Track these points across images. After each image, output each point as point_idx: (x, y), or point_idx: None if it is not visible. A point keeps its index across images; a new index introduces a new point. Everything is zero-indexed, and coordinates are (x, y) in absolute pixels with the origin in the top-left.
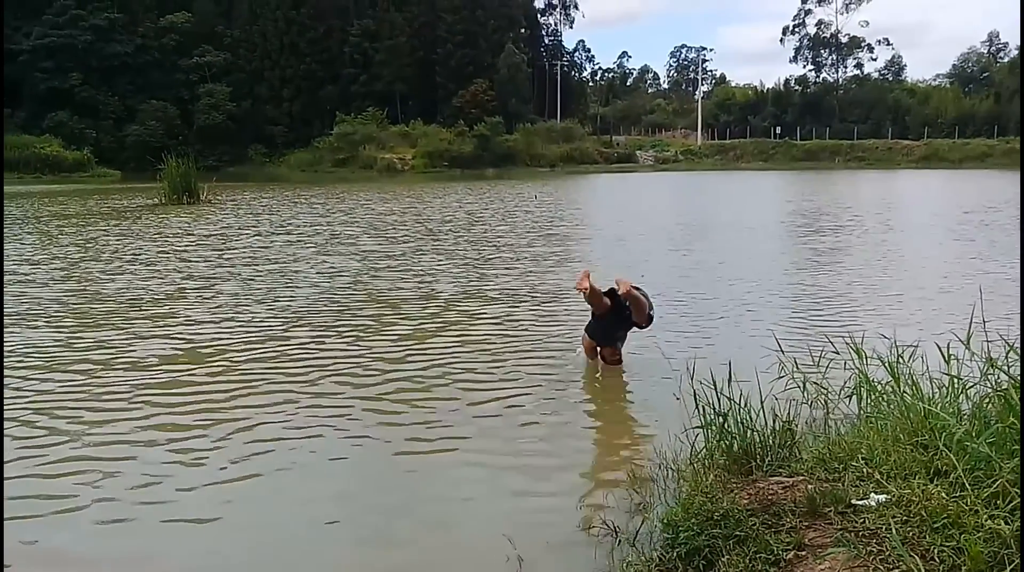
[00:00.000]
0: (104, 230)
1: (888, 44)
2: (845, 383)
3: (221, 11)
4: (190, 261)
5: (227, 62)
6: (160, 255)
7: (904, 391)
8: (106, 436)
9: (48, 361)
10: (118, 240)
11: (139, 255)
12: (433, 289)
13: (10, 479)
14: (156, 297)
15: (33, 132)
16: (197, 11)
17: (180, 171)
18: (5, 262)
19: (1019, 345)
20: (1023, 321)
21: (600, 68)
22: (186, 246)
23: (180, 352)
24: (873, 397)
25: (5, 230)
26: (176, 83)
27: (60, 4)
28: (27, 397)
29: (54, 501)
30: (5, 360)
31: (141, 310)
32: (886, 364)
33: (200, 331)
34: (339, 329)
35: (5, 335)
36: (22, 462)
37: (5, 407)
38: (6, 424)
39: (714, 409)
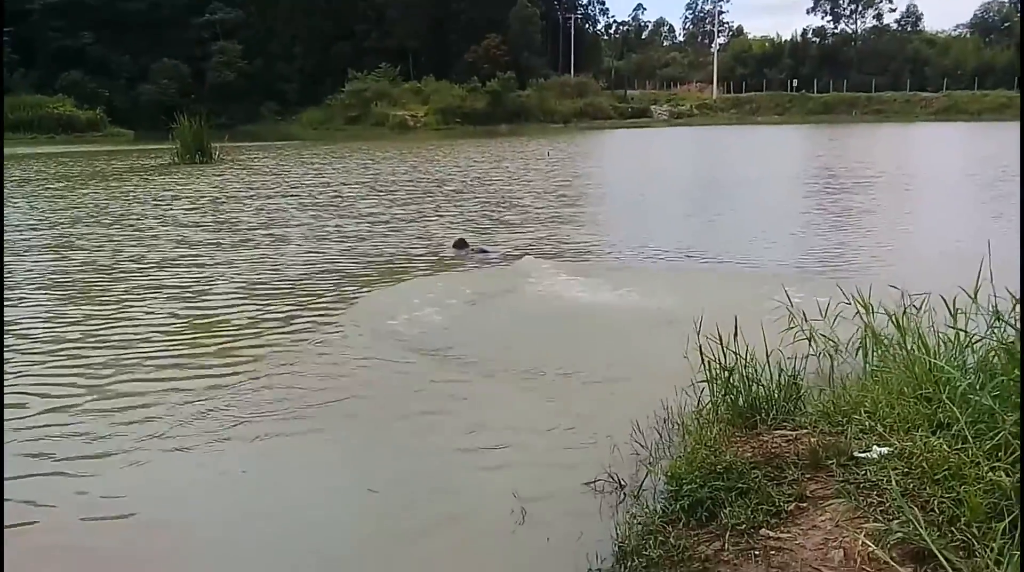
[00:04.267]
0: (122, 190)
1: None
2: (852, 337)
3: None
4: (199, 224)
5: (239, 19)
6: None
7: (910, 345)
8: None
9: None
10: (141, 205)
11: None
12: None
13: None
14: (163, 263)
15: (46, 92)
16: None
17: (193, 130)
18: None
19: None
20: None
21: (614, 21)
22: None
23: (175, 321)
24: (879, 351)
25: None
26: (188, 41)
27: None
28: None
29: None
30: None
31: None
32: (892, 318)
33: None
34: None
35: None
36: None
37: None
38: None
39: (720, 364)
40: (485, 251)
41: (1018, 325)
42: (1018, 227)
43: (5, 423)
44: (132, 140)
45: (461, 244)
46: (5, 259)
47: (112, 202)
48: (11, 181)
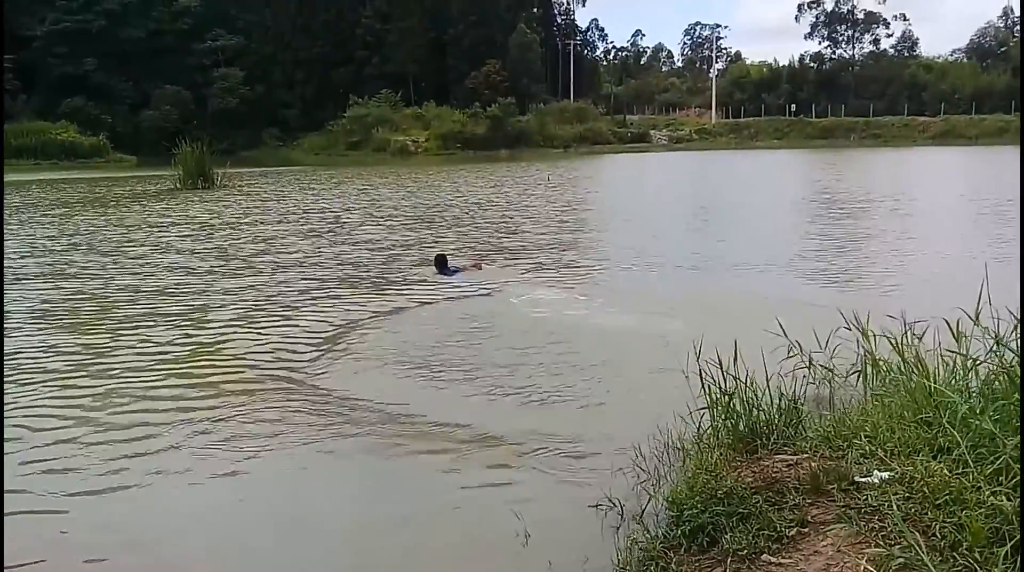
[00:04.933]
0: (121, 216)
1: (904, 19)
2: (854, 362)
3: None
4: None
5: (240, 46)
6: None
7: (910, 369)
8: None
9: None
10: (140, 231)
11: (159, 243)
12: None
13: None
14: (167, 289)
15: (49, 118)
16: None
17: (195, 156)
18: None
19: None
20: (1023, 305)
21: (613, 47)
22: (196, 235)
23: (172, 350)
24: (879, 375)
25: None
26: (190, 67)
27: None
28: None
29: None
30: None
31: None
32: (893, 342)
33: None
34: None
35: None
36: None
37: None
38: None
39: (720, 388)
40: (457, 270)
41: (1018, 348)
42: (1019, 250)
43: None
44: (135, 166)
45: (441, 261)
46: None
47: (111, 229)
48: (10, 206)
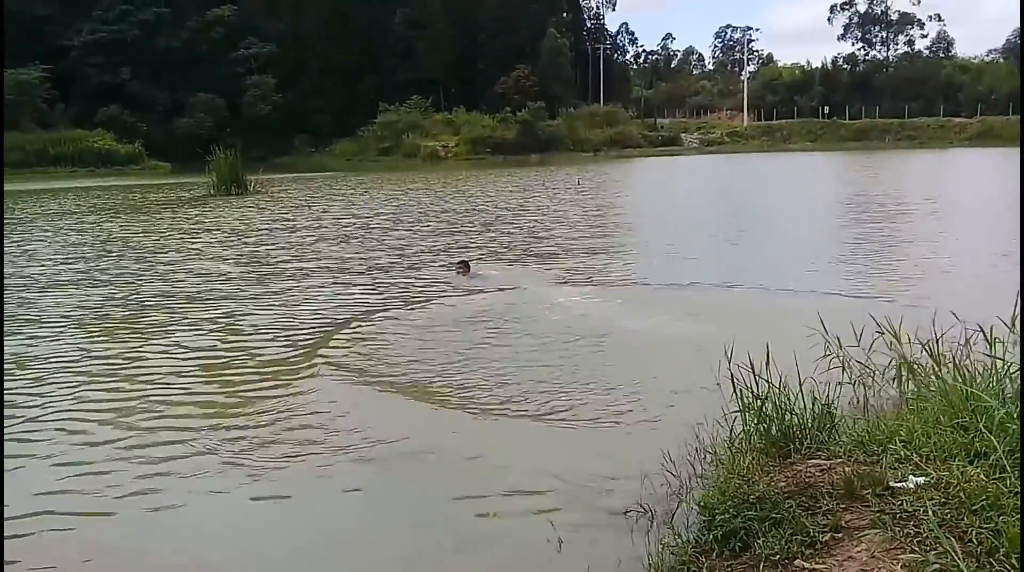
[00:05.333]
0: (155, 223)
1: (939, 20)
2: (888, 366)
3: (266, 3)
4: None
5: (273, 54)
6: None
7: (946, 373)
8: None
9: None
10: (188, 239)
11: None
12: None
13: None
14: (207, 290)
15: (85, 126)
16: (242, 4)
17: (228, 163)
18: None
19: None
20: (1023, 316)
21: (643, 50)
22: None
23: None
24: (915, 379)
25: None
26: (224, 75)
27: (109, 0)
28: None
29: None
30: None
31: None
32: (928, 346)
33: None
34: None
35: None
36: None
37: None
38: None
39: (752, 392)
40: (479, 274)
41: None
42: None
43: (29, 462)
44: (169, 173)
45: (464, 267)
46: (30, 294)
47: (144, 235)
48: (47, 213)
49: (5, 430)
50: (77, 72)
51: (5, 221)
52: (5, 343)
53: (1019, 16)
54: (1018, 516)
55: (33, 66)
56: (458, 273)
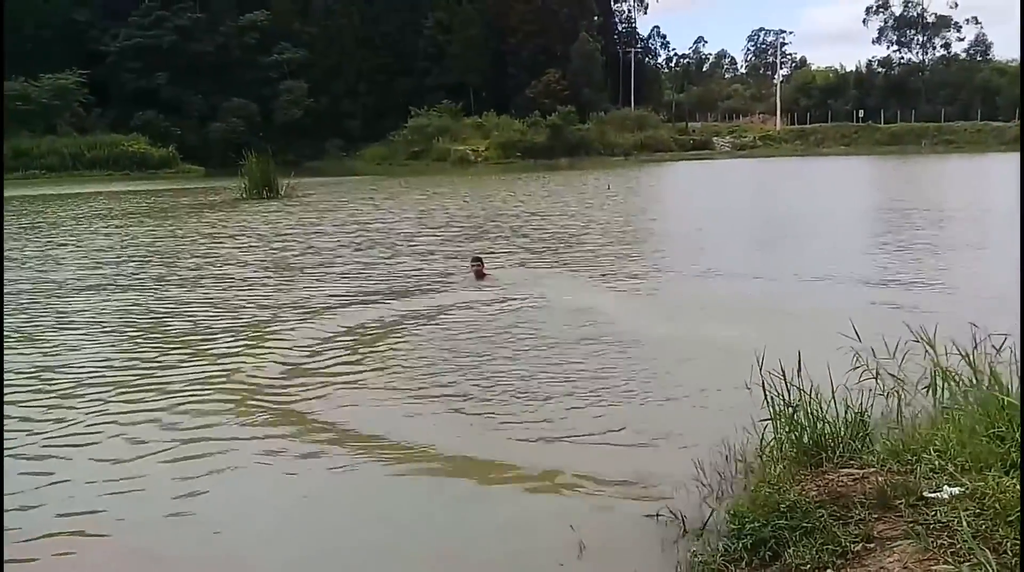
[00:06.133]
0: (188, 226)
1: (977, 23)
2: (923, 375)
3: (299, 8)
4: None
5: (305, 59)
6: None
7: (982, 382)
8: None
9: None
10: (215, 246)
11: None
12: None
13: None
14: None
15: (121, 131)
16: (275, 9)
17: (260, 167)
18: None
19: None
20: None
21: (675, 54)
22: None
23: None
24: (950, 389)
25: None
26: (257, 80)
27: (145, 6)
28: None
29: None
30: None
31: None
32: (964, 354)
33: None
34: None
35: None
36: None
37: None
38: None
39: (784, 400)
40: (494, 275)
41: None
42: None
43: (56, 469)
44: (203, 177)
45: (479, 264)
46: (52, 300)
47: (174, 240)
48: (78, 217)
49: (31, 440)
50: (114, 77)
51: (35, 224)
52: (29, 351)
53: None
54: None
55: (71, 71)
56: (473, 269)
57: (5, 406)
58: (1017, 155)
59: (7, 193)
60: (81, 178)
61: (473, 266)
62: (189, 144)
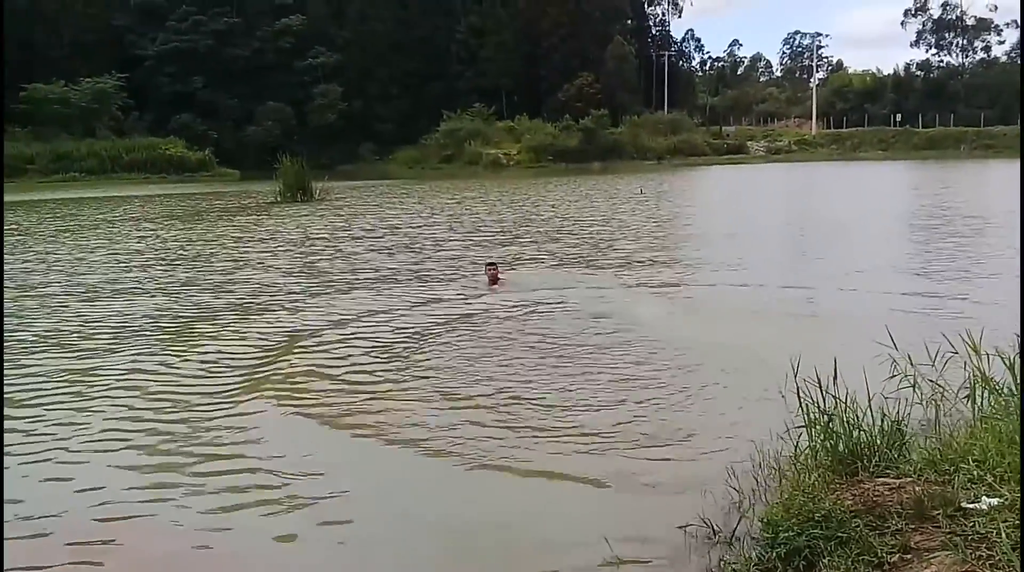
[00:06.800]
0: (223, 228)
1: (1016, 26)
2: (962, 383)
3: (333, 13)
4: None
5: (339, 63)
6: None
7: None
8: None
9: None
10: (246, 249)
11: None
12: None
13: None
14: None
15: (159, 134)
16: (310, 14)
17: (294, 170)
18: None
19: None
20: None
21: (710, 57)
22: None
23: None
24: (990, 397)
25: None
26: (291, 84)
27: (183, 11)
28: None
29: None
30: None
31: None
32: (1006, 362)
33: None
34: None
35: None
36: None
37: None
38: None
39: (819, 407)
40: (499, 280)
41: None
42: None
43: (83, 474)
44: (238, 179)
45: (493, 271)
46: (82, 303)
47: (205, 243)
48: (113, 219)
49: (54, 444)
50: (151, 81)
51: (70, 228)
52: (53, 354)
53: None
54: None
55: (110, 75)
56: (488, 274)
57: (33, 411)
58: None
59: (46, 196)
60: (119, 181)
61: (488, 271)
62: (225, 147)
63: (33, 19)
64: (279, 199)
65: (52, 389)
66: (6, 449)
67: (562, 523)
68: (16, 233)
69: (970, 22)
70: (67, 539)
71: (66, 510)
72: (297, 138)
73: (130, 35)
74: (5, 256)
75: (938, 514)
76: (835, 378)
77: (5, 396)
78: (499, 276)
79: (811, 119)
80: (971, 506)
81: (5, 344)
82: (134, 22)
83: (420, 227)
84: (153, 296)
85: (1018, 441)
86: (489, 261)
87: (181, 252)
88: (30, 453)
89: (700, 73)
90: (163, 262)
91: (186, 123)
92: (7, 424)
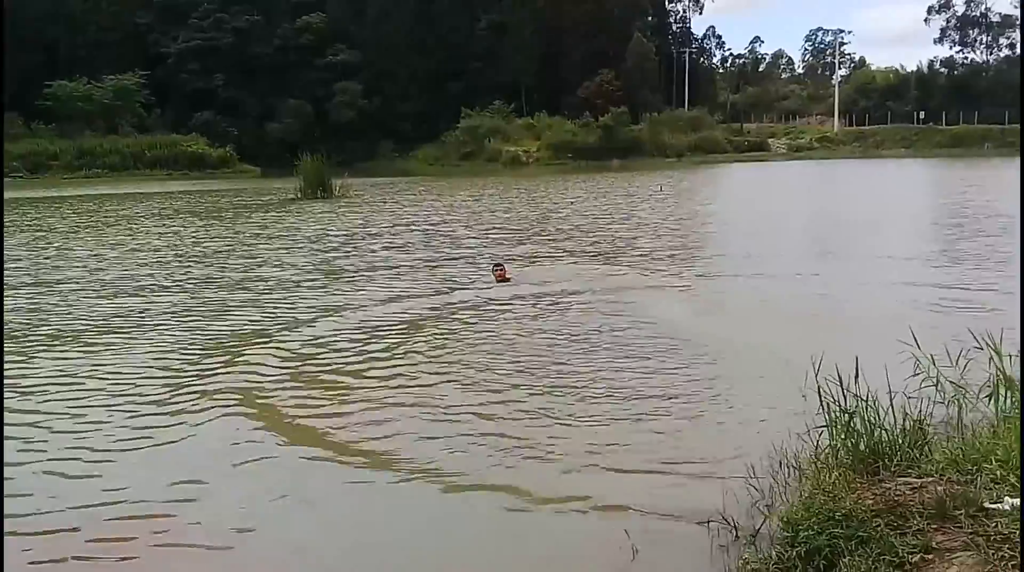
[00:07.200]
0: (243, 225)
1: None
2: (985, 383)
3: (353, 10)
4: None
5: (359, 60)
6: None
7: None
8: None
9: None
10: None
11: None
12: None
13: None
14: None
15: (181, 131)
16: (331, 11)
17: (314, 167)
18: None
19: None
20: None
21: (731, 54)
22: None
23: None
24: (1014, 397)
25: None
26: (312, 82)
27: (205, 8)
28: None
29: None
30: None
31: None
32: None
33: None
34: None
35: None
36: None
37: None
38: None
39: (840, 407)
40: (508, 279)
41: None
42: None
43: (106, 471)
44: (258, 176)
45: (500, 271)
46: (100, 300)
47: (223, 240)
48: (133, 217)
49: (75, 440)
50: (173, 78)
51: (91, 223)
52: (67, 354)
53: None
54: None
55: (133, 72)
56: (495, 274)
57: (48, 407)
58: None
59: (69, 192)
60: (141, 177)
61: (495, 271)
62: (245, 144)
63: (58, 17)
64: (299, 196)
65: (70, 385)
66: (26, 446)
67: (582, 516)
68: (38, 229)
69: (995, 19)
70: (89, 536)
71: (89, 506)
72: (317, 135)
73: (153, 33)
74: (26, 251)
75: (960, 514)
76: (856, 377)
77: (24, 392)
78: (506, 276)
79: (833, 116)
80: (993, 506)
81: (24, 339)
82: (157, 20)
83: (438, 224)
84: (172, 293)
85: None
86: (496, 262)
87: (202, 249)
88: (48, 449)
89: (721, 70)
90: (184, 259)
91: (207, 120)
92: (28, 421)
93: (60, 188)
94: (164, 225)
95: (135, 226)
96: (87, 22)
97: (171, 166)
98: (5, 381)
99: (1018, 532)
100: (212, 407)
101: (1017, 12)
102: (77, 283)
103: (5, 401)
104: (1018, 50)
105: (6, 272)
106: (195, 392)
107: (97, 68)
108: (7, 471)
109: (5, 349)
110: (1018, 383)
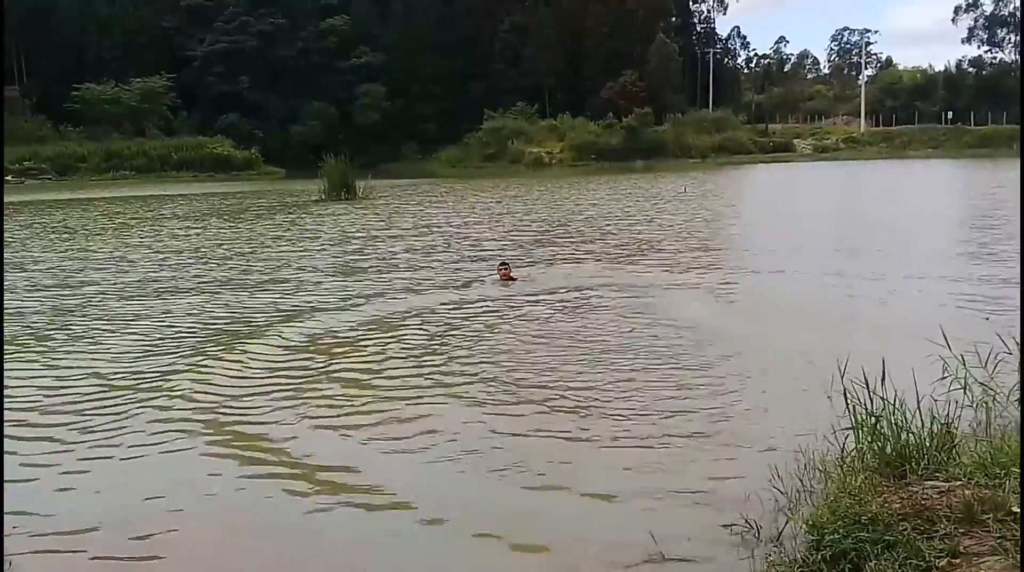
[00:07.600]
0: (266, 227)
1: None
2: (1015, 386)
3: (377, 13)
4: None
5: (382, 62)
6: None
7: None
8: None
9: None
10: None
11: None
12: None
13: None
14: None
15: (207, 133)
16: (354, 14)
17: (338, 169)
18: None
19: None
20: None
21: (755, 54)
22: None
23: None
24: None
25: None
26: (336, 84)
27: (230, 12)
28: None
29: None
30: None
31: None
32: None
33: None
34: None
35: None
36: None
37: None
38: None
39: (866, 409)
40: (513, 279)
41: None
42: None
43: (122, 473)
44: (283, 178)
45: (505, 271)
46: (120, 302)
47: (246, 242)
48: (161, 217)
49: (85, 444)
50: (199, 81)
51: (117, 225)
52: (81, 357)
53: None
54: None
55: (159, 75)
56: (500, 274)
57: (63, 412)
58: None
59: (97, 194)
60: (167, 179)
61: (500, 271)
62: (270, 146)
63: (86, 21)
64: (323, 197)
65: (82, 391)
66: (49, 452)
67: (606, 520)
68: (63, 230)
69: None
70: (101, 549)
71: (107, 514)
72: (341, 137)
73: (179, 36)
74: (48, 253)
75: (988, 518)
76: (883, 379)
77: (44, 395)
78: (511, 276)
79: (859, 117)
80: None
81: (42, 342)
82: (183, 23)
83: (458, 226)
84: (194, 295)
85: None
86: (502, 261)
87: (226, 250)
88: (69, 455)
89: (746, 70)
90: (207, 261)
91: (233, 123)
92: (46, 426)
93: (88, 190)
94: (187, 227)
95: (160, 227)
96: (114, 25)
97: (197, 168)
98: (26, 380)
99: None
100: (229, 415)
101: None
102: (98, 287)
103: (23, 401)
104: None
105: (30, 273)
106: (209, 396)
107: (124, 71)
108: (22, 473)
109: (31, 349)
110: None
